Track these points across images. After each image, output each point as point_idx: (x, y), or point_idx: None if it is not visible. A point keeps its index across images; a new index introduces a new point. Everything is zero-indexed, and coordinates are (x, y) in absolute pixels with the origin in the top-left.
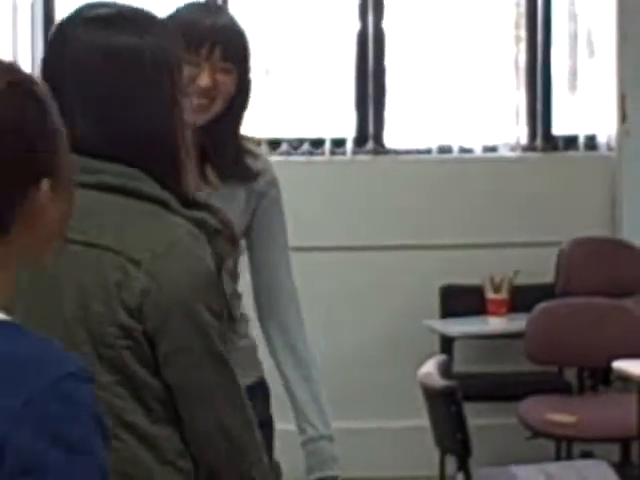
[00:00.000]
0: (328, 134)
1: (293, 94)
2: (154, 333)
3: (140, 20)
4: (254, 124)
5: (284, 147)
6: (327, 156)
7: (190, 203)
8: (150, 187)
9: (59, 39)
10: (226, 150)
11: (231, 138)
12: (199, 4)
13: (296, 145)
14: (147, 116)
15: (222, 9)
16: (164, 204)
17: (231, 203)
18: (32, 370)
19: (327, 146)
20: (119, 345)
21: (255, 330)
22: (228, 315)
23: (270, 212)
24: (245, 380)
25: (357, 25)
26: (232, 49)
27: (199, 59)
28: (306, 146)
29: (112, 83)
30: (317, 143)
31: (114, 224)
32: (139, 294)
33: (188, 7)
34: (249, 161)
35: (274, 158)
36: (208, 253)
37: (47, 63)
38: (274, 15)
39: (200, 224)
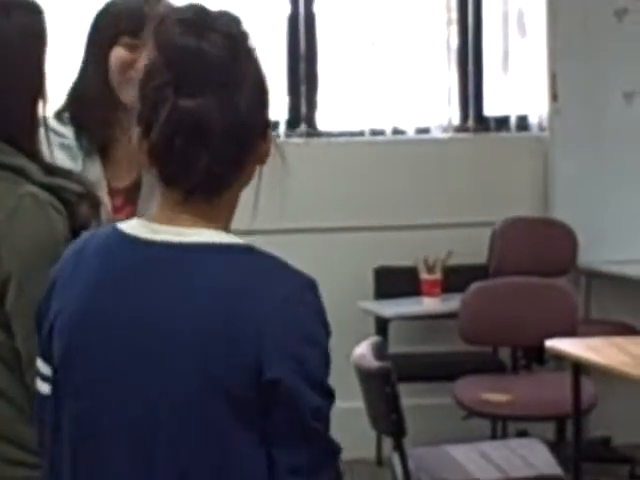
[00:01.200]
0: None
1: None
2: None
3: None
4: None
5: None
6: None
7: (53, 171)
8: (4, 156)
9: None
10: None
11: None
12: None
13: None
14: (7, 91)
15: None
16: (18, 171)
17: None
18: (279, 282)
19: None
20: None
21: None
22: None
23: None
24: None
25: (288, 8)
26: None
27: (139, 43)
28: None
29: None
30: None
31: None
32: None
33: None
34: None
35: None
36: (56, 220)
37: None
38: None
39: (56, 190)
